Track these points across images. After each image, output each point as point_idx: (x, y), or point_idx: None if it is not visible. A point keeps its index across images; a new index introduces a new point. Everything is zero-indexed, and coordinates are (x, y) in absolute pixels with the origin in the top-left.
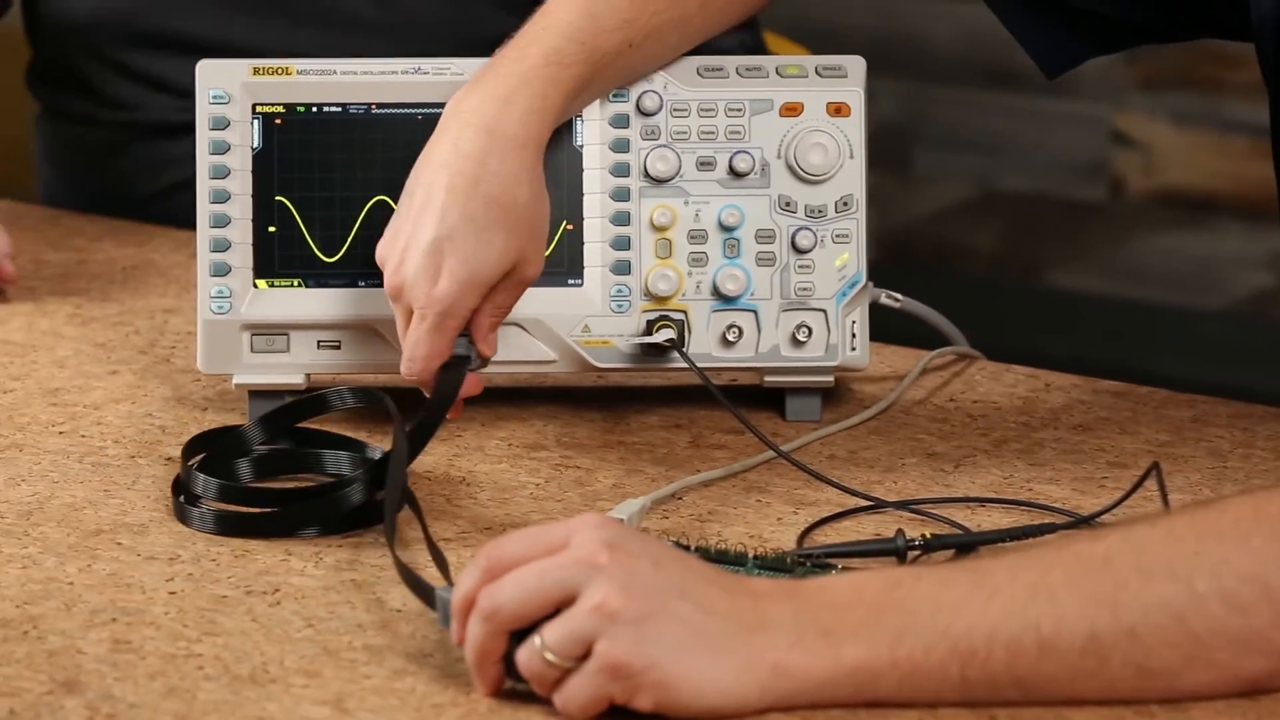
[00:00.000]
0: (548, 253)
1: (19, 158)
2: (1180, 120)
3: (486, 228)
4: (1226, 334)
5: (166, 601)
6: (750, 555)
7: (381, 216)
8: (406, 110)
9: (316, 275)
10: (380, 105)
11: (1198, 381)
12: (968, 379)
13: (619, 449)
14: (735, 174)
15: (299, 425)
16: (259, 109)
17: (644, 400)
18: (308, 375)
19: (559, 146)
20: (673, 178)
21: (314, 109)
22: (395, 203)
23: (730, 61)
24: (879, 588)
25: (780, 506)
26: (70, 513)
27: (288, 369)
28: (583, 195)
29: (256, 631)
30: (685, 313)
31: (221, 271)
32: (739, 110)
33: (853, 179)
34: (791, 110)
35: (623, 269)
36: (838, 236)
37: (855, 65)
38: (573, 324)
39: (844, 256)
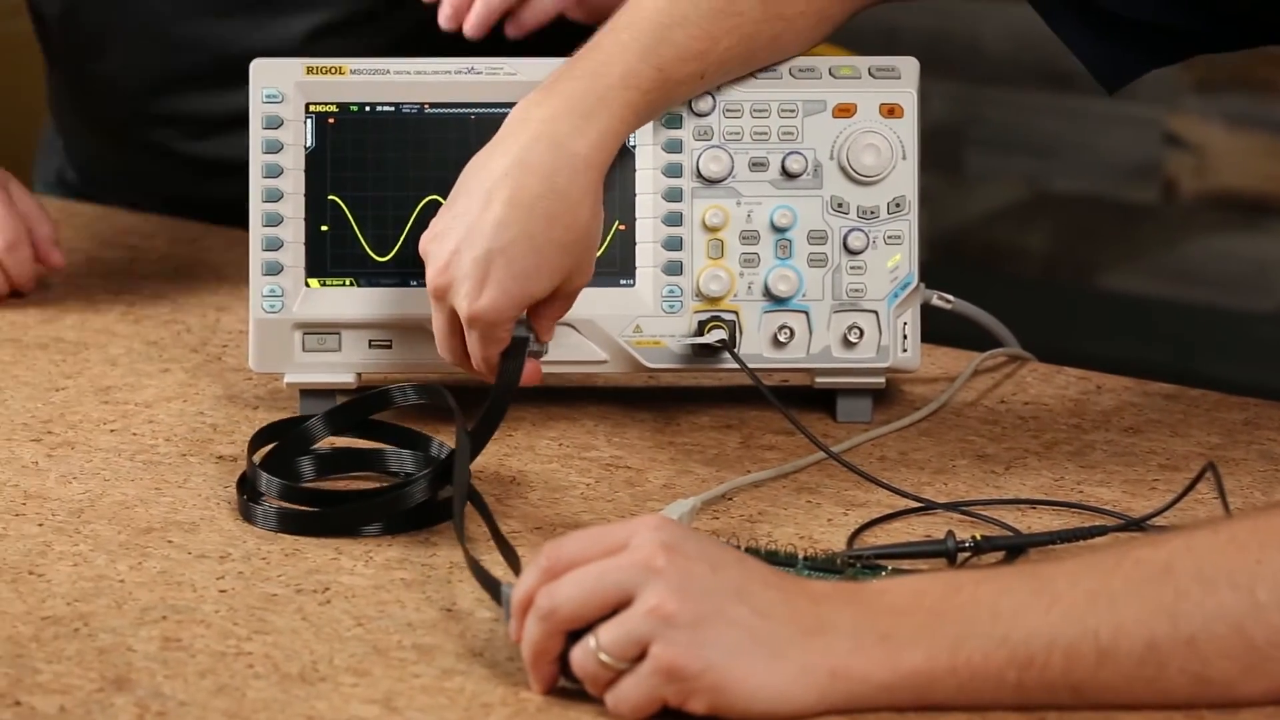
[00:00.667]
0: (600, 253)
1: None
2: (1234, 122)
3: (544, 245)
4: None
5: (217, 599)
6: (800, 556)
7: (433, 216)
8: (459, 110)
9: (368, 274)
10: (433, 105)
11: (1250, 384)
12: (1019, 381)
13: (669, 449)
14: (788, 175)
15: (363, 420)
16: (312, 108)
17: (695, 401)
18: (359, 374)
19: None
20: (725, 178)
21: (367, 108)
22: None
23: (784, 62)
24: (939, 592)
25: (830, 507)
26: (121, 510)
27: (339, 368)
28: (635, 195)
29: (306, 630)
30: (737, 313)
31: (274, 270)
32: (792, 111)
33: (905, 180)
34: (845, 111)
35: (674, 269)
36: (890, 238)
37: (909, 66)
38: (624, 324)
39: (896, 258)
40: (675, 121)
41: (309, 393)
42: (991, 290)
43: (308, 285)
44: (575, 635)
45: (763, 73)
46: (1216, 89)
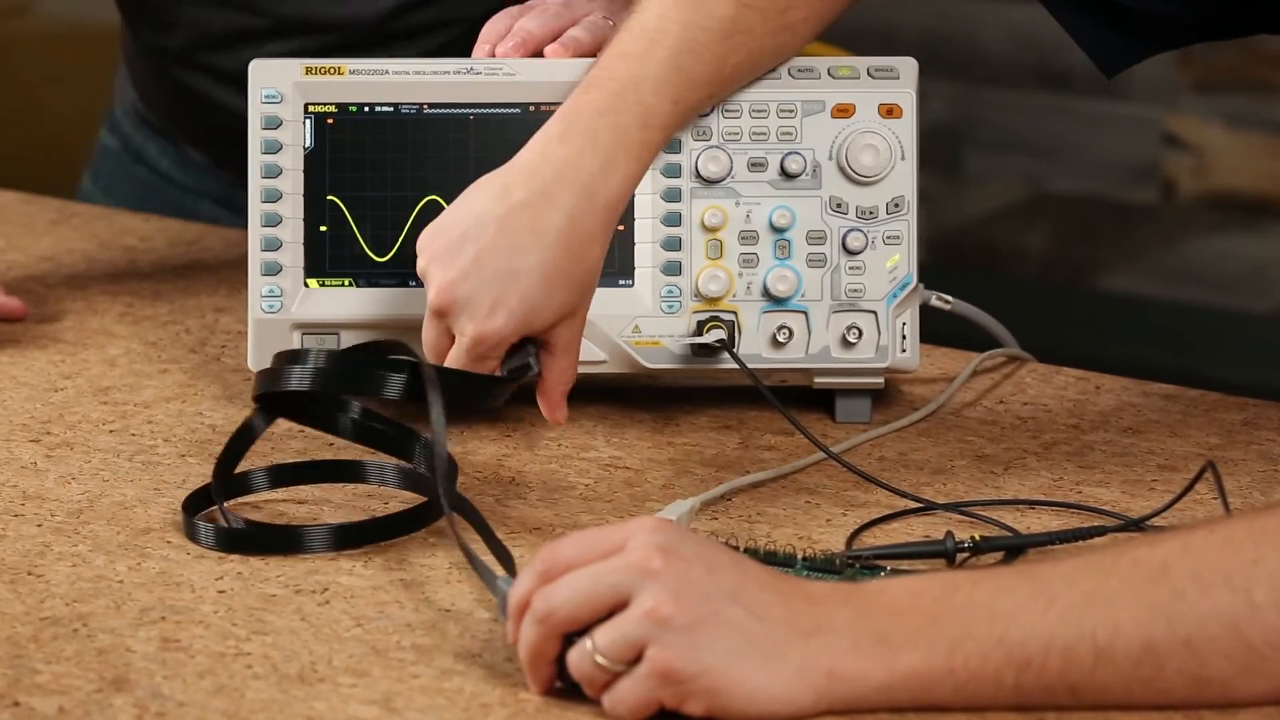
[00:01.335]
0: None
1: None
2: (1232, 122)
3: (555, 278)
4: (1278, 337)
5: (215, 600)
6: (799, 557)
7: (433, 217)
8: (458, 110)
9: (367, 275)
10: (432, 105)
11: (1249, 384)
12: (1018, 381)
13: (668, 450)
14: (786, 175)
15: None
16: (311, 108)
17: (694, 401)
18: None
19: None
20: (724, 178)
21: (366, 109)
22: (447, 203)
23: (783, 63)
24: (936, 593)
25: (829, 508)
26: (120, 511)
27: None
28: (634, 196)
29: (305, 631)
30: (735, 313)
31: (272, 270)
32: (791, 111)
33: (904, 180)
34: (843, 111)
35: (673, 270)
36: (888, 238)
37: (907, 67)
38: (623, 324)
39: (895, 258)
40: None
41: None
42: (990, 290)
43: (306, 285)
44: (572, 637)
45: None
46: (1215, 89)
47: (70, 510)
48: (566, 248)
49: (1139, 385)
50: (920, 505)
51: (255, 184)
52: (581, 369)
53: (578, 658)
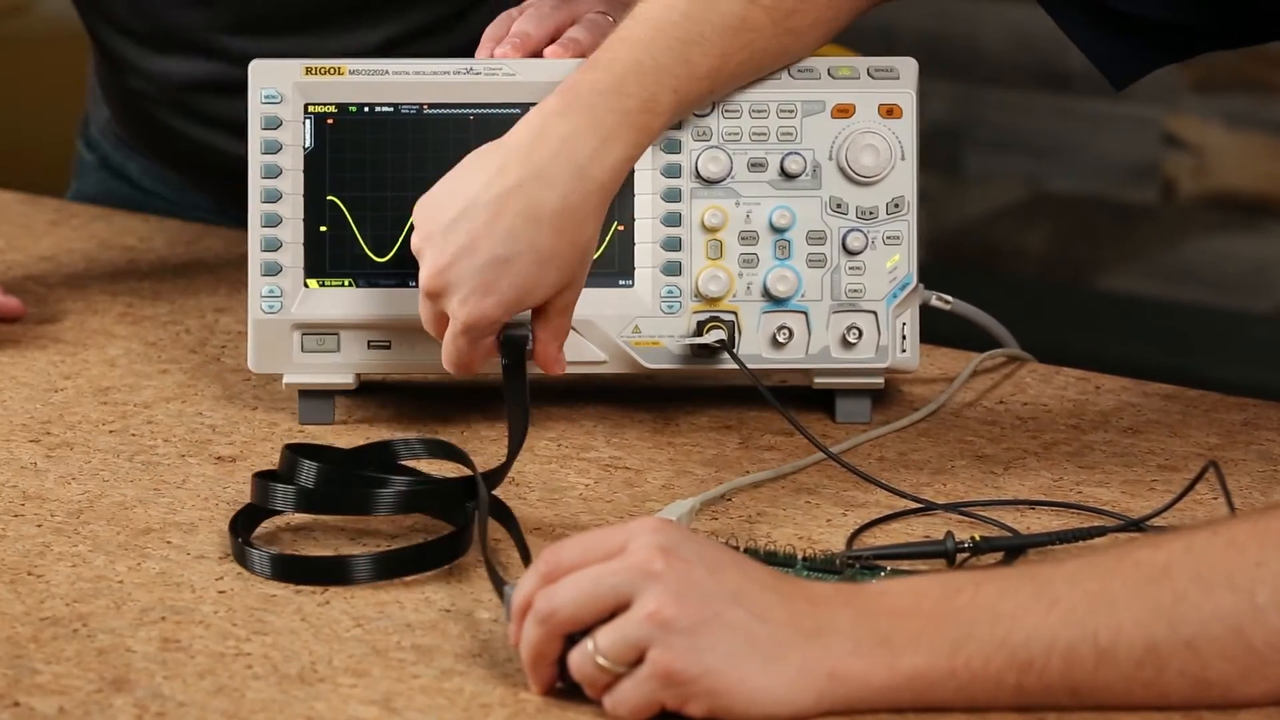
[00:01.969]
0: (598, 254)
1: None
2: (1232, 122)
3: (548, 260)
4: (1278, 337)
5: (215, 600)
6: (799, 557)
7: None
8: (458, 110)
9: (367, 275)
10: (432, 105)
11: (1249, 384)
12: (1018, 381)
13: (668, 450)
14: (786, 175)
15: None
16: (311, 109)
17: (694, 401)
18: (357, 375)
19: None
20: (724, 179)
21: (366, 109)
22: None
23: None
24: (939, 595)
25: (829, 508)
26: (120, 511)
27: (338, 369)
28: (634, 196)
29: (305, 631)
30: (735, 314)
31: (272, 271)
32: (791, 112)
33: (904, 181)
34: (843, 112)
35: (673, 270)
36: (888, 238)
37: (907, 67)
38: (623, 325)
39: (895, 258)
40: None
41: (308, 393)
42: (990, 291)
43: (306, 286)
44: (574, 638)
45: None
46: (1215, 89)
47: (70, 510)
48: (560, 230)
49: (1139, 385)
50: (920, 505)
51: (255, 184)
52: (581, 369)
53: (579, 659)
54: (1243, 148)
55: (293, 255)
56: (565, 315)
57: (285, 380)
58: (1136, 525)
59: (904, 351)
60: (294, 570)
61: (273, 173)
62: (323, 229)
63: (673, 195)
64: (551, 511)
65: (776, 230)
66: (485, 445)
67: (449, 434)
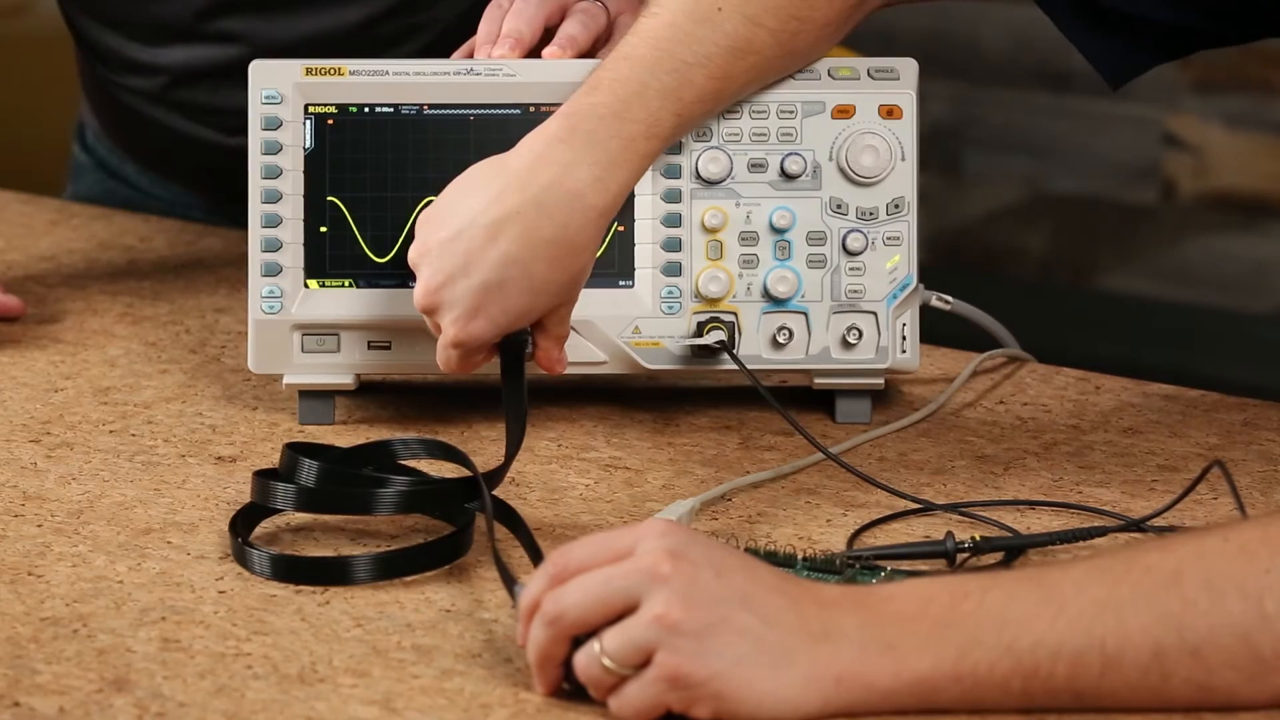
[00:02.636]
0: (598, 254)
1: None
2: (1232, 122)
3: (540, 289)
4: (1278, 337)
5: (216, 600)
6: (799, 557)
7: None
8: (458, 111)
9: (367, 275)
10: (432, 106)
11: (1249, 384)
12: (1018, 381)
13: (668, 450)
14: (787, 176)
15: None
16: (311, 109)
17: (694, 402)
18: (357, 375)
19: None
20: (724, 179)
21: (366, 109)
22: None
23: None
24: (946, 600)
25: (829, 508)
26: (120, 511)
27: (338, 369)
28: (634, 196)
29: (305, 631)
30: (736, 314)
31: (273, 271)
32: (791, 112)
33: (904, 181)
34: (843, 112)
35: (673, 270)
36: (889, 239)
37: (907, 68)
38: (623, 325)
39: (895, 259)
40: None
41: (308, 393)
42: (990, 291)
43: (307, 286)
44: (581, 639)
45: None
46: (1215, 89)
47: (70, 510)
48: (555, 259)
49: (1139, 385)
50: (920, 506)
51: (255, 184)
52: (581, 369)
53: (585, 660)
54: (1243, 148)
55: (293, 256)
56: (562, 325)
57: (285, 380)
58: (1137, 525)
59: (904, 352)
60: (294, 570)
61: (273, 173)
62: (323, 229)
63: (673, 196)
64: (552, 512)
65: (777, 231)
66: (485, 445)
67: (449, 434)
